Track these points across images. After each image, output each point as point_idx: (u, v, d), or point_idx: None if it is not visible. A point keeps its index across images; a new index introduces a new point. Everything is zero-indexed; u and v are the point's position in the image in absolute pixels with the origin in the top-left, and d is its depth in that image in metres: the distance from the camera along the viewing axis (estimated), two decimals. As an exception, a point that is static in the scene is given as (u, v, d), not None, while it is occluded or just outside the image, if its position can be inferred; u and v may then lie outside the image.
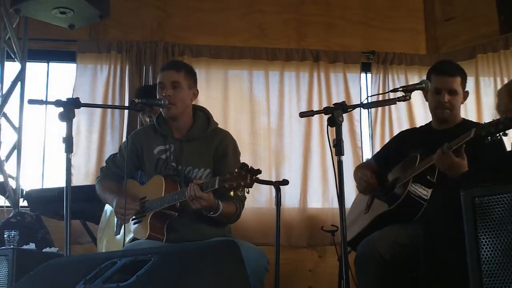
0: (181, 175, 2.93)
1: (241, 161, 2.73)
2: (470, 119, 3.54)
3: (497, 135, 2.39)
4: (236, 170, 2.52)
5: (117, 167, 3.09)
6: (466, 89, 3.12)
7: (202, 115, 3.06)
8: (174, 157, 2.96)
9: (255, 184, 3.45)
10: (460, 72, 3.09)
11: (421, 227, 2.49)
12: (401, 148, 3.15)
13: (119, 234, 3.05)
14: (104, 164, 3.28)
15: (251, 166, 2.51)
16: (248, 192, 2.55)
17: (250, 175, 2.49)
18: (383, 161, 3.28)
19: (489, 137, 2.41)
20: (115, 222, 3.12)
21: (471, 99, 5.03)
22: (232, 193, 2.54)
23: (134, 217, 2.90)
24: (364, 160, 4.84)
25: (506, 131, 2.37)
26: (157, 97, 2.94)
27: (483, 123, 2.49)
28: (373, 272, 2.70)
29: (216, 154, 2.95)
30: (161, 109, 2.97)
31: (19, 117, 4.55)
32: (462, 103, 3.11)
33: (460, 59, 5.16)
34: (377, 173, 3.19)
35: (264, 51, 5.12)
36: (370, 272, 2.72)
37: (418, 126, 3.52)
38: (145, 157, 3.03)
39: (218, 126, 3.11)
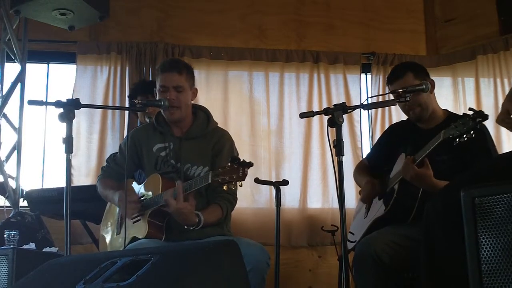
0: (180, 172, 2.94)
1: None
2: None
3: (464, 136, 2.39)
4: (228, 164, 2.52)
5: (117, 165, 3.11)
6: (428, 79, 2.99)
7: (202, 114, 3.08)
8: (173, 155, 2.97)
9: (255, 184, 3.47)
10: (409, 68, 3.01)
11: (417, 226, 2.49)
12: (392, 144, 3.15)
13: (119, 233, 3.05)
14: (105, 164, 3.28)
15: (243, 159, 2.52)
16: (241, 185, 2.54)
17: (242, 168, 2.49)
18: (376, 160, 3.28)
19: (457, 139, 2.41)
20: (116, 222, 3.13)
21: (471, 100, 5.04)
22: (225, 187, 2.54)
23: (135, 214, 2.90)
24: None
25: (471, 132, 2.37)
26: (157, 98, 2.95)
27: (451, 124, 2.47)
28: (370, 272, 2.70)
29: (213, 152, 2.97)
30: (162, 110, 2.97)
31: (19, 117, 4.55)
32: (431, 92, 2.99)
33: (460, 60, 5.19)
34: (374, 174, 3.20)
35: (264, 52, 5.12)
36: (367, 272, 2.72)
37: (406, 119, 3.30)
38: (144, 155, 3.04)
39: (218, 125, 3.12)
